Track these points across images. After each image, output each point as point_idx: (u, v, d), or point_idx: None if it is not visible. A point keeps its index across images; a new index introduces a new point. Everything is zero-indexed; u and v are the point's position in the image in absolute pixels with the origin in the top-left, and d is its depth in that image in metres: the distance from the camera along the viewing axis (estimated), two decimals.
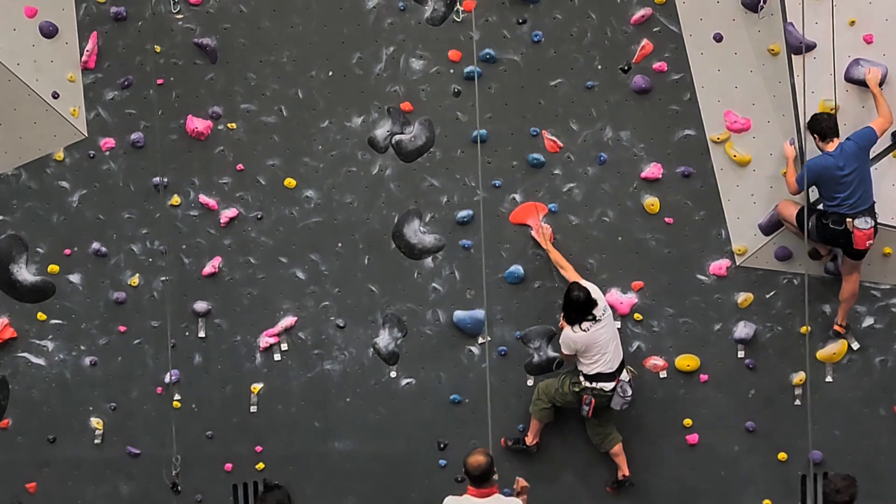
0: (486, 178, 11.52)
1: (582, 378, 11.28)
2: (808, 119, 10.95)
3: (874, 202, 10.92)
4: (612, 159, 11.52)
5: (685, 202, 11.55)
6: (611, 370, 11.20)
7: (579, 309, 11.00)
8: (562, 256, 11.44)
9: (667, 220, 11.56)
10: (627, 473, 11.69)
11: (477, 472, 9.39)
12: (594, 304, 11.04)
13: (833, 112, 10.95)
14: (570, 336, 11.13)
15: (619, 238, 11.62)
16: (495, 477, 9.44)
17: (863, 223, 10.85)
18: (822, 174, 10.79)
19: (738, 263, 11.59)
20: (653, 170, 11.51)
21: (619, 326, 11.53)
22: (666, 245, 11.61)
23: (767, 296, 11.61)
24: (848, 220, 10.83)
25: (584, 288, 11.06)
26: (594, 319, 11.04)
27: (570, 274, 11.36)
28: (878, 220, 11.00)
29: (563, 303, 11.14)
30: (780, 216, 11.29)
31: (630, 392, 11.26)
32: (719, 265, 11.60)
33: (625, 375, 11.29)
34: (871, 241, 10.92)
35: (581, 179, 11.57)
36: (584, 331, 11.04)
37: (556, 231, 11.59)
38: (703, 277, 11.64)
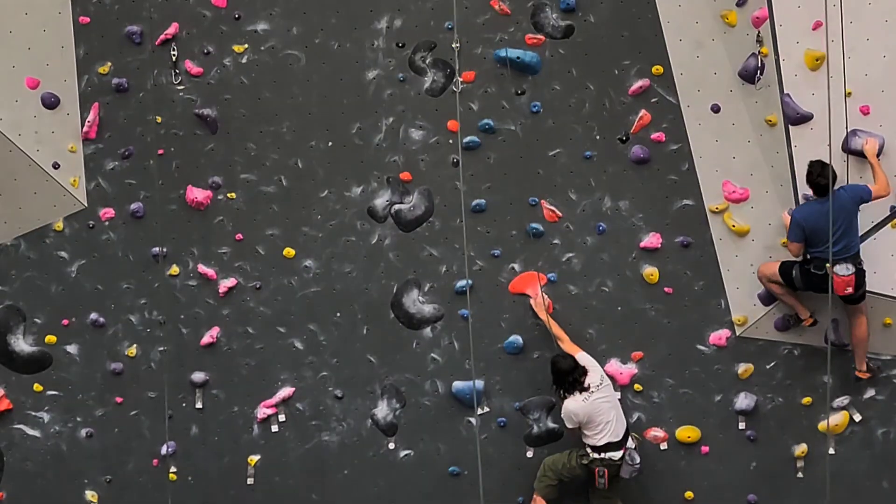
0: (485, 248, 11.54)
1: (589, 450, 11.19)
2: (806, 172, 10.84)
3: (859, 251, 10.86)
4: (611, 229, 11.53)
5: (684, 272, 11.54)
6: (617, 438, 11.13)
7: (564, 375, 10.99)
8: (559, 328, 11.40)
9: (666, 289, 11.54)
10: None
11: None
12: (583, 371, 11.01)
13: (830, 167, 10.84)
14: (571, 408, 11.07)
15: (619, 308, 11.59)
16: None
17: (842, 269, 10.78)
18: (808, 220, 10.73)
19: (738, 334, 11.55)
20: (652, 240, 11.52)
21: (619, 397, 11.44)
22: (665, 315, 11.58)
23: (768, 366, 11.55)
24: (828, 265, 10.77)
25: (567, 356, 11.08)
26: (587, 389, 10.99)
27: (567, 346, 11.31)
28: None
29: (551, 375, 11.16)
30: (762, 278, 11.24)
31: (638, 459, 11.15)
32: (719, 335, 11.56)
33: (631, 443, 11.21)
34: (850, 289, 10.81)
35: (580, 249, 11.57)
36: (583, 401, 10.99)
37: (556, 301, 11.56)
38: (703, 348, 11.59)
